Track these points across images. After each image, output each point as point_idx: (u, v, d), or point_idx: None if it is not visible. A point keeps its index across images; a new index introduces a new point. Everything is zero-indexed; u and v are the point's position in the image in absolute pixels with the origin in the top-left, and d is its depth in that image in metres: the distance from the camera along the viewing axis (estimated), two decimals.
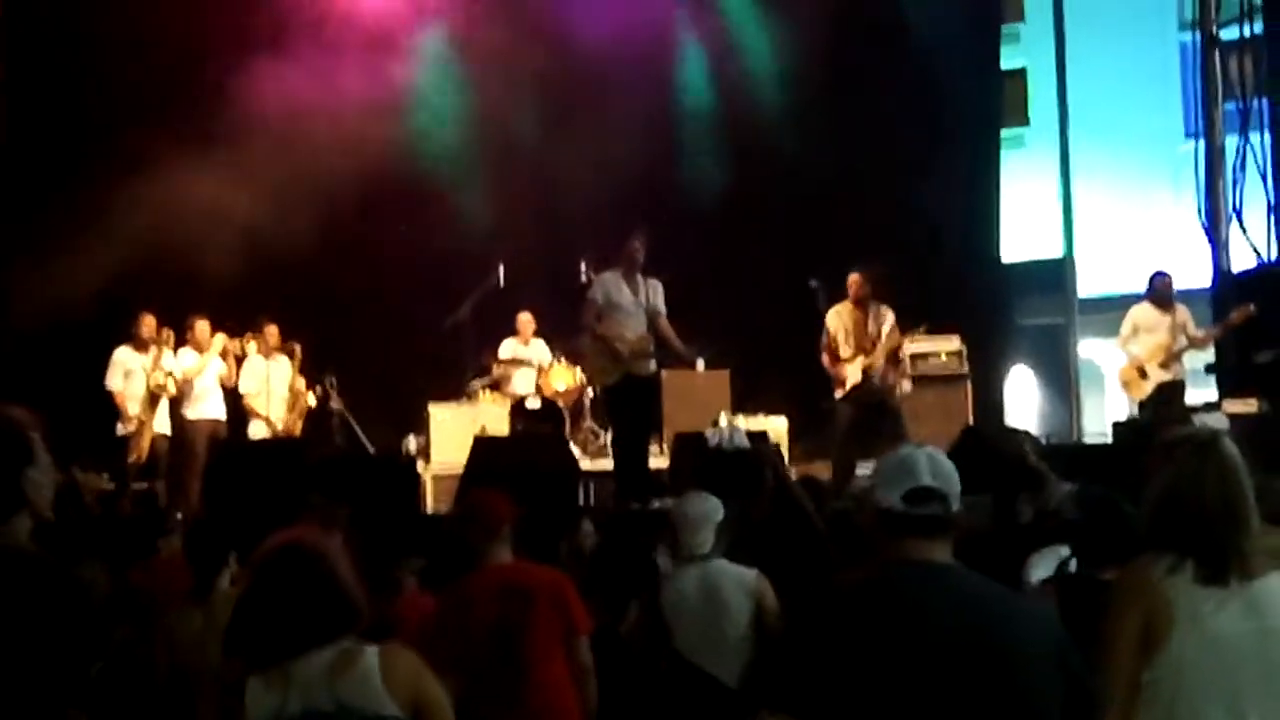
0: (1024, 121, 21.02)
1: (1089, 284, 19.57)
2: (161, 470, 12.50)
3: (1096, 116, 20.12)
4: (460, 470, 10.94)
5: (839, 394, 11.63)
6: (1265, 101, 12.81)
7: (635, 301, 10.74)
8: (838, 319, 11.70)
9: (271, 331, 13.12)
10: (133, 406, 12.44)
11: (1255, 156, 12.79)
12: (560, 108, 15.09)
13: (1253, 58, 13.18)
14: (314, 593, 3.63)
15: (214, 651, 5.41)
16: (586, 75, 14.55)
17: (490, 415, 13.20)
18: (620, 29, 14.79)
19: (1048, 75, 20.52)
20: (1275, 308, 11.65)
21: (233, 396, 12.95)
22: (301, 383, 13.21)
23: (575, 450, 12.32)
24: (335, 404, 13.57)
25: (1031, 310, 18.94)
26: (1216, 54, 13.72)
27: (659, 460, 11.73)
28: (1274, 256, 12.90)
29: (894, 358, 11.85)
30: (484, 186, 14.66)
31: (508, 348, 14.06)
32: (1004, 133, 17.51)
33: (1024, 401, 18.55)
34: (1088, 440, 16.20)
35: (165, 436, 12.57)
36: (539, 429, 12.76)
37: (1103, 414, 13.96)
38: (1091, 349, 19.54)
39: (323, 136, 13.62)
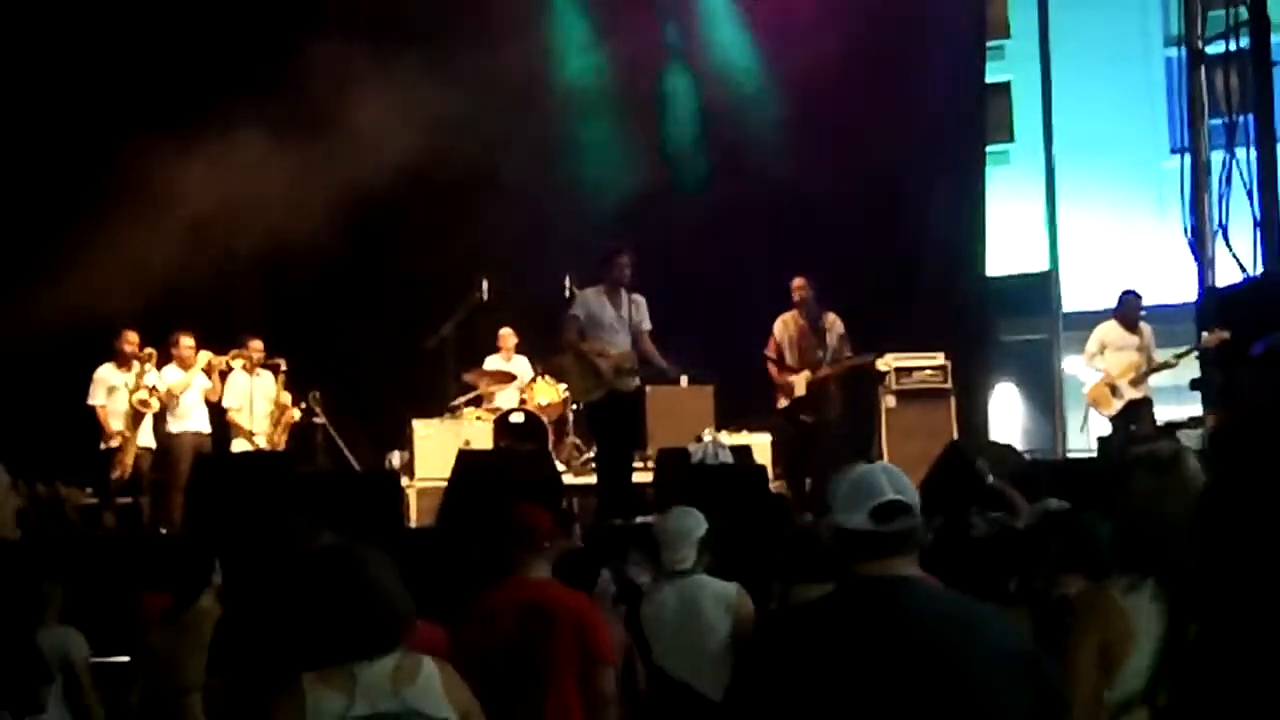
0: (1009, 138, 21.02)
1: (1074, 299, 19.56)
2: (146, 485, 12.45)
3: (1081, 132, 20.13)
4: (444, 485, 10.93)
5: (782, 404, 11.64)
6: (1251, 117, 12.80)
7: (618, 318, 10.71)
8: (784, 327, 11.66)
9: (255, 346, 13.07)
10: (115, 423, 12.41)
11: (1241, 172, 12.77)
12: (544, 126, 15.15)
13: (1238, 73, 13.16)
14: (379, 596, 3.69)
15: (193, 668, 5.36)
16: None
17: (474, 430, 13.18)
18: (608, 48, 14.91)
19: (1033, 91, 20.52)
20: (1260, 320, 11.64)
21: (216, 411, 12.90)
22: (287, 398, 13.17)
23: (559, 465, 12.31)
24: (319, 419, 13.53)
25: (1016, 326, 18.92)
26: (1202, 69, 13.72)
27: (643, 475, 11.71)
28: (1259, 272, 12.91)
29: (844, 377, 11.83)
30: (467, 203, 14.62)
31: (491, 364, 14.05)
32: (989, 149, 17.52)
33: (1008, 417, 18.55)
34: (1072, 456, 16.21)
35: (149, 451, 12.53)
36: (522, 444, 12.73)
37: (1087, 430, 13.92)
38: (1076, 365, 19.54)
39: (305, 156, 13.57)
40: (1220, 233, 13.16)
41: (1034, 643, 3.25)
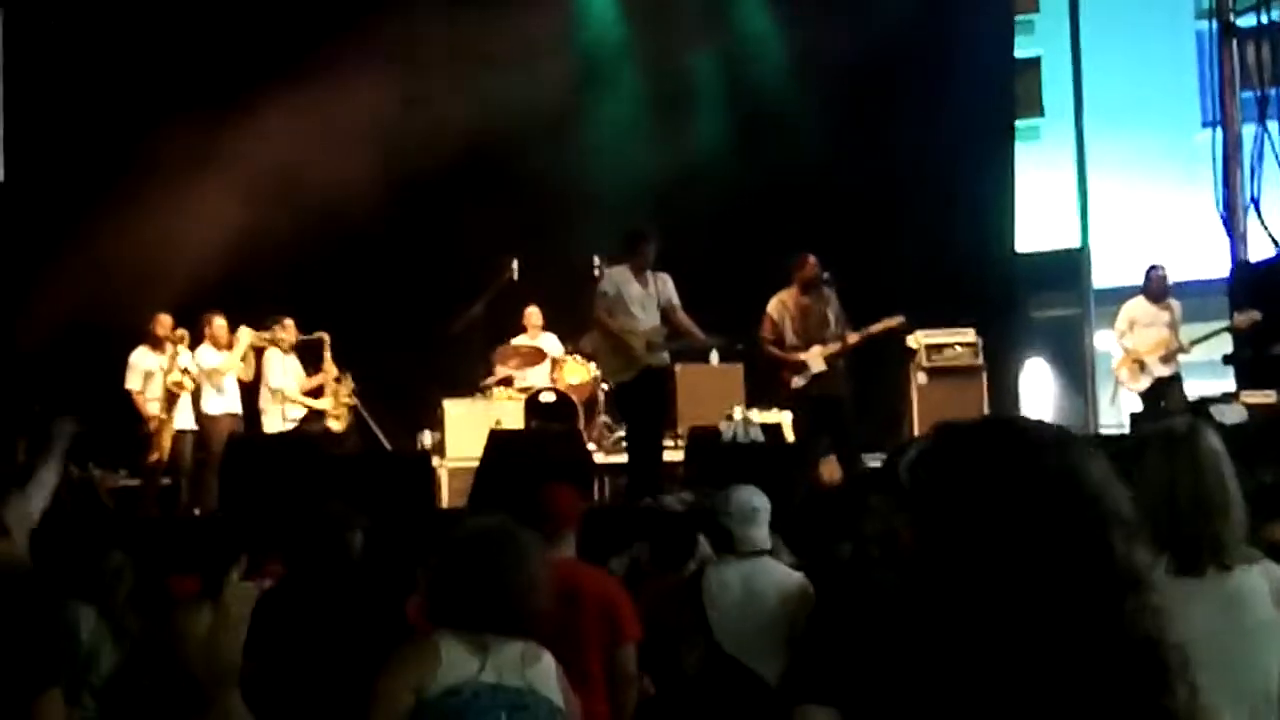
0: (1039, 112, 20.90)
1: (1105, 275, 19.44)
2: (184, 467, 12.53)
3: (1112, 106, 20.00)
4: (475, 465, 10.97)
5: (799, 382, 11.38)
6: None
7: (646, 295, 10.73)
8: (782, 306, 11.48)
9: (288, 326, 13.11)
10: (152, 406, 12.48)
11: (1272, 145, 12.73)
12: (571, 107, 15.16)
13: (1270, 45, 13.12)
14: (534, 583, 3.94)
15: (226, 648, 5.38)
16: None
17: (505, 410, 13.22)
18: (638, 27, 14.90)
19: (1063, 66, 20.38)
20: None
21: (247, 392, 12.94)
22: (334, 371, 13.20)
23: (590, 444, 12.34)
24: (350, 400, 13.58)
25: (1047, 302, 18.86)
26: (1233, 42, 13.66)
27: (673, 454, 11.71)
28: None
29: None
30: (497, 183, 14.64)
31: (519, 343, 14.10)
32: (1018, 124, 17.44)
33: (1039, 393, 18.48)
34: (1104, 432, 16.15)
35: (186, 433, 12.58)
36: (553, 423, 12.77)
37: (1118, 404, 13.87)
38: (1108, 340, 19.45)
39: (334, 138, 13.61)
40: (1253, 206, 13.11)
41: None
